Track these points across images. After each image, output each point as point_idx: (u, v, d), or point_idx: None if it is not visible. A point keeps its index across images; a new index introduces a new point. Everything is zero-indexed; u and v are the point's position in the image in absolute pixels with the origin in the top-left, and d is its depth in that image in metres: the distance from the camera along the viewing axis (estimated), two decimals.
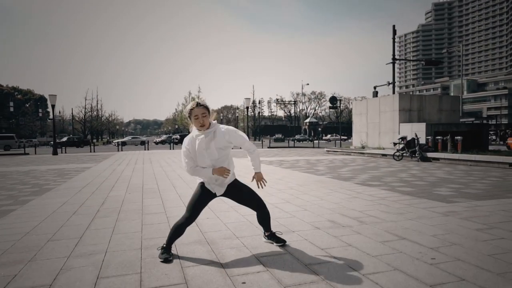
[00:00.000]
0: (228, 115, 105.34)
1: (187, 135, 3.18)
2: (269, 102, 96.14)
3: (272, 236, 3.38)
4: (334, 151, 19.88)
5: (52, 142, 31.48)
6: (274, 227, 3.86)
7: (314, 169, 10.85)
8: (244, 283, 2.49)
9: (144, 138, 50.91)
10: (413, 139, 13.92)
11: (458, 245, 3.27)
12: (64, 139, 42.46)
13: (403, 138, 14.20)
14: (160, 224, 4.20)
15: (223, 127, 3.05)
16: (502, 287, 2.38)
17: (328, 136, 63.94)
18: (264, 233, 3.43)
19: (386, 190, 6.50)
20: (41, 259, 3.07)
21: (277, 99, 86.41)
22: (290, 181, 7.96)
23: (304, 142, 50.96)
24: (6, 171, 11.60)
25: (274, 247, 3.27)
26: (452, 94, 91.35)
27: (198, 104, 2.95)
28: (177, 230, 3.06)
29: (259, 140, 54.52)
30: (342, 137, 52.18)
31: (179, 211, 4.90)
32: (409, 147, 13.92)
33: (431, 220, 4.20)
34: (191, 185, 7.47)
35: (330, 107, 27.87)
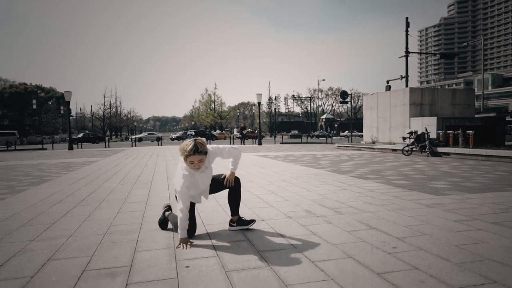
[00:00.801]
0: (244, 112, 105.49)
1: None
2: (285, 99, 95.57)
3: (239, 221, 3.34)
4: (344, 146, 19.59)
5: (67, 138, 32.17)
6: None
7: (316, 163, 10.70)
8: (187, 267, 2.45)
9: (159, 134, 51.59)
10: (423, 133, 13.54)
11: (428, 235, 3.14)
12: (80, 135, 43.59)
13: (412, 133, 13.83)
14: (135, 212, 4.22)
15: (210, 148, 3.07)
16: (454, 276, 2.25)
17: (346, 132, 63.14)
18: (231, 220, 3.38)
19: (380, 183, 6.33)
20: (5, 242, 3.12)
21: (293, 95, 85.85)
22: (285, 174, 7.87)
23: (322, 138, 50.09)
24: (16, 164, 11.96)
25: (236, 235, 3.21)
26: (475, 89, 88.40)
27: (196, 151, 2.84)
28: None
29: (274, 137, 54.36)
30: (358, 132, 51.40)
31: (160, 201, 4.92)
32: (419, 141, 13.54)
33: (411, 212, 4.05)
34: None
35: (340, 102, 27.41)
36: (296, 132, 65.06)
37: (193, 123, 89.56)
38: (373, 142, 18.21)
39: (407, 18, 20.86)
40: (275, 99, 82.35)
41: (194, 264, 2.51)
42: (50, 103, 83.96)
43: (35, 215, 4.15)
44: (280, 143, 29.44)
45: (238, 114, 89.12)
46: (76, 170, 9.45)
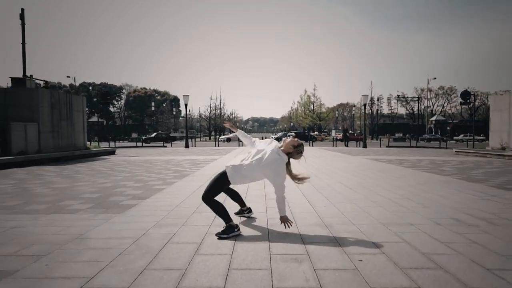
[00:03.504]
0: (343, 113, 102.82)
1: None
2: (388, 99, 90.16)
3: (247, 210, 4.21)
4: (465, 152, 17.81)
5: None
6: (389, 218, 3.94)
7: (439, 169, 10.06)
8: (360, 260, 2.70)
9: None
10: None
11: None
12: (153, 135, 47.01)
13: None
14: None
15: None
16: None
17: (461, 136, 56.77)
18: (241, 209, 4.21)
19: None
20: (190, 224, 3.81)
21: (398, 95, 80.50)
22: (409, 180, 7.63)
23: (434, 142, 44.84)
24: (152, 159, 13.92)
25: (389, 235, 3.35)
26: None
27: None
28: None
29: (376, 139, 51.95)
30: (478, 137, 45.73)
31: (293, 187, 5.30)
32: None
33: None
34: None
35: (461, 103, 24.82)
36: (400, 135, 60.87)
37: (291, 124, 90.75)
38: (503, 148, 16.18)
39: None
40: (378, 100, 78.32)
41: (365, 258, 2.75)
42: (164, 105, 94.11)
43: (198, 204, 4.88)
44: (386, 147, 28.07)
45: (337, 115, 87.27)
46: (204, 167, 10.59)
